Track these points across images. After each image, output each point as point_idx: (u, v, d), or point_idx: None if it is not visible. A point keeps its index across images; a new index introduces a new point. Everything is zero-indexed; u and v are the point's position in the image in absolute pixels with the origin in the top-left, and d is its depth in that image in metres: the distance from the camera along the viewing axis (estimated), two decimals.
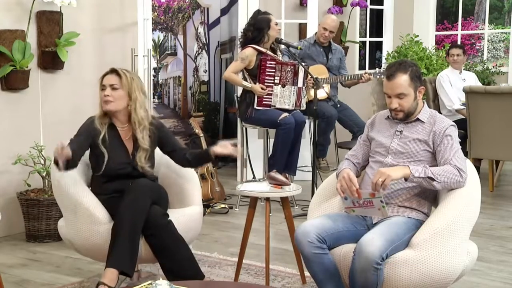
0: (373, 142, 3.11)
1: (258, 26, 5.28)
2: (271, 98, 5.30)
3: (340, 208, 3.11)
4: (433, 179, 2.82)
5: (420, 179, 2.83)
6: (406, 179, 2.84)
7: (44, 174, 4.41)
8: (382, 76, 5.68)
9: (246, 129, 5.79)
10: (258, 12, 5.41)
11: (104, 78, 3.31)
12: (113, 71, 3.30)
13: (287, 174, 5.20)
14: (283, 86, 5.30)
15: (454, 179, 2.85)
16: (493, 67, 8.09)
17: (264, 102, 5.31)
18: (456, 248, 2.82)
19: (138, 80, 3.35)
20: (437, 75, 6.90)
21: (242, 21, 6.06)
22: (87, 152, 3.32)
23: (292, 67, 5.30)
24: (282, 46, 5.43)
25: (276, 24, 5.32)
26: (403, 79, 2.94)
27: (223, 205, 5.20)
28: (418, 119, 3.03)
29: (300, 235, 2.83)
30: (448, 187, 2.89)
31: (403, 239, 2.80)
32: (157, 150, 3.45)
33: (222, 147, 3.28)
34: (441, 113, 6.41)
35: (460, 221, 2.82)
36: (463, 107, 6.20)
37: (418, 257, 2.75)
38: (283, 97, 5.31)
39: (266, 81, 5.27)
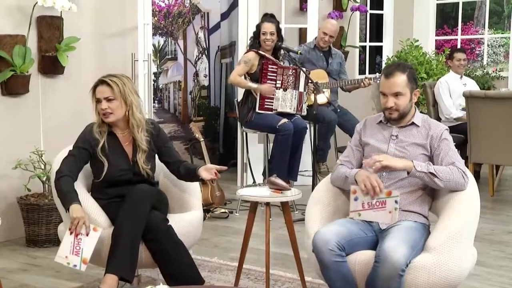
0: (367, 147, 3.10)
1: (254, 32, 5.40)
2: (272, 102, 5.31)
3: (340, 212, 3.11)
4: (435, 176, 2.85)
5: (422, 174, 2.85)
6: (408, 173, 2.87)
7: (44, 178, 4.41)
8: None
9: (246, 133, 5.79)
10: (261, 17, 5.46)
11: (96, 91, 3.26)
12: (103, 82, 3.25)
13: (289, 180, 5.22)
14: (285, 90, 5.31)
15: (458, 180, 2.87)
16: (493, 71, 8.09)
17: (266, 106, 5.31)
18: (467, 251, 2.87)
19: (129, 82, 3.30)
20: (437, 79, 6.90)
21: (242, 26, 6.07)
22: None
23: (293, 71, 5.31)
24: (282, 51, 5.44)
25: (265, 33, 5.30)
26: (401, 78, 2.97)
27: (223, 210, 5.20)
28: (413, 123, 3.05)
29: (320, 243, 2.77)
30: (450, 187, 2.90)
31: (420, 244, 2.80)
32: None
33: (207, 173, 3.24)
34: (441, 119, 6.45)
35: (470, 224, 2.87)
36: (462, 113, 6.20)
37: (436, 261, 2.75)
38: (285, 101, 5.32)
39: (268, 85, 5.28)
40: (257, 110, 5.31)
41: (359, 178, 2.94)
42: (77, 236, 2.97)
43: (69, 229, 2.98)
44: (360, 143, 3.14)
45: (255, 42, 5.37)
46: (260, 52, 5.30)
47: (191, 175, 3.32)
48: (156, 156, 3.42)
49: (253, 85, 5.29)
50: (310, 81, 5.20)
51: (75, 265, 2.98)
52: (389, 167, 2.87)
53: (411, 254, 2.70)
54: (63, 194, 3.09)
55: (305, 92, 5.41)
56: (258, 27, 5.38)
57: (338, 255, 2.76)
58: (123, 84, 3.25)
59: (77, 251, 2.97)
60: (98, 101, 3.26)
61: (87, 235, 2.99)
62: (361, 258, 2.83)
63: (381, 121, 3.11)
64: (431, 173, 2.85)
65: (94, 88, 3.28)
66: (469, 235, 2.88)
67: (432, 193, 3.03)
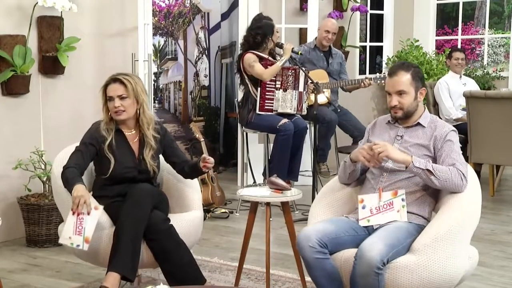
0: None
1: (265, 31, 5.27)
2: (273, 103, 5.31)
3: (341, 213, 3.12)
4: (432, 173, 2.84)
5: (419, 170, 2.86)
6: (406, 167, 2.88)
7: (44, 179, 4.41)
8: (383, 81, 5.69)
9: (246, 133, 5.79)
10: (263, 17, 5.39)
11: (108, 89, 3.27)
12: (116, 80, 3.27)
13: (289, 180, 5.21)
14: (285, 90, 5.31)
15: (455, 181, 2.86)
16: (493, 71, 8.09)
17: (266, 107, 5.31)
18: (457, 253, 2.81)
19: (139, 81, 3.34)
20: (437, 79, 6.89)
21: (243, 26, 6.06)
22: None
23: (293, 71, 5.30)
24: (282, 51, 5.43)
25: (277, 30, 5.34)
26: (404, 77, 2.99)
27: (223, 210, 5.20)
28: (419, 124, 3.04)
29: (302, 239, 2.82)
30: (447, 188, 2.89)
31: (404, 244, 2.80)
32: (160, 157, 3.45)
33: (202, 163, 3.28)
34: (440, 118, 6.45)
35: (461, 226, 2.82)
36: (462, 114, 6.20)
37: (419, 262, 2.74)
38: (285, 101, 5.31)
39: (267, 86, 5.28)
40: (257, 111, 5.31)
41: (354, 156, 3.01)
42: (79, 215, 2.98)
43: (72, 210, 2.99)
44: (368, 143, 3.15)
45: (263, 41, 5.26)
46: (259, 54, 5.27)
47: (195, 169, 3.35)
48: (161, 157, 3.43)
49: (283, 59, 5.24)
50: (310, 81, 5.19)
51: (78, 245, 2.99)
52: (388, 157, 2.89)
53: (388, 252, 2.70)
54: (67, 181, 3.10)
55: (305, 92, 5.40)
56: (272, 27, 5.29)
57: (319, 252, 2.78)
58: (135, 82, 3.28)
59: (80, 230, 2.97)
60: (109, 99, 3.26)
61: (88, 214, 2.99)
62: (346, 256, 2.84)
63: (389, 121, 3.12)
64: (428, 170, 2.84)
65: (106, 86, 3.28)
66: (461, 236, 2.83)
67: (435, 195, 3.02)
